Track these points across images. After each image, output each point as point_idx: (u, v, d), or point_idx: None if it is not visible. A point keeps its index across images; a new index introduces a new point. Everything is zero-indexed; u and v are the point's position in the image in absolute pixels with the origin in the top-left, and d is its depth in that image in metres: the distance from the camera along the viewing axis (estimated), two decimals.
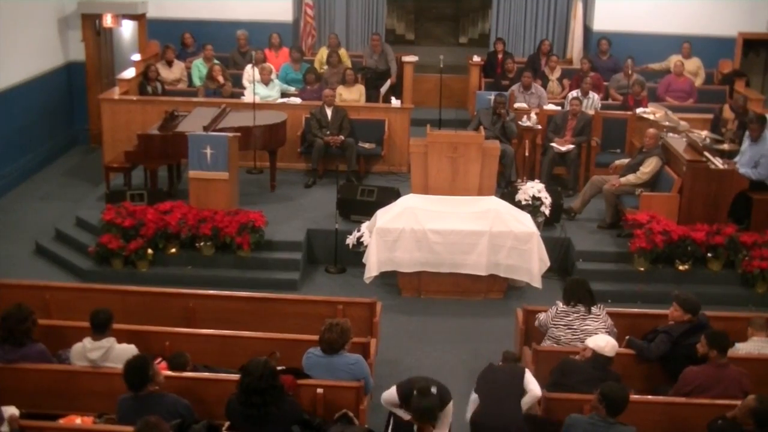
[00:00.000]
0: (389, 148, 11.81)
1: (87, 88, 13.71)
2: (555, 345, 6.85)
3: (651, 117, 11.03)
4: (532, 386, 5.96)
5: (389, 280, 9.28)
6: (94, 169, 12.29)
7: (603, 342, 6.17)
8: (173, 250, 9.44)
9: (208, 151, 9.60)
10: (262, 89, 12.02)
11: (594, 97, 12.22)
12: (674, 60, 13.29)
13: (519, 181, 10.85)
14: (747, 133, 9.86)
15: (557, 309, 6.92)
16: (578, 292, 6.88)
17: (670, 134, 10.44)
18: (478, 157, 9.29)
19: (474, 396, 6.07)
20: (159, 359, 6.22)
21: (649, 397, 6.26)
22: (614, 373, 6.12)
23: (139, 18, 13.90)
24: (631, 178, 9.92)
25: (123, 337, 6.36)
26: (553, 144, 11.28)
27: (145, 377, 5.48)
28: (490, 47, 14.46)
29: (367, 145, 11.65)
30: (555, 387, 6.16)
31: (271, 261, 9.54)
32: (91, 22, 13.62)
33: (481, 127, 10.77)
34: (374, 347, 6.87)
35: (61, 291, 7.65)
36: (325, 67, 13.22)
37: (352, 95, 12.31)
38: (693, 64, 13.48)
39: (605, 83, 13.13)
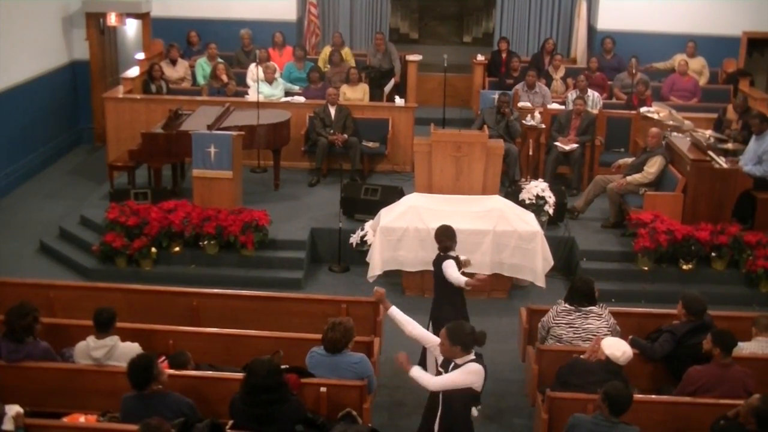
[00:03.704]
0: (393, 147, 11.81)
1: (91, 86, 13.72)
2: (557, 344, 6.85)
3: (655, 116, 11.00)
4: (447, 272, 6.85)
5: (393, 279, 9.28)
6: (98, 168, 12.31)
7: (619, 353, 6.13)
8: (177, 248, 9.45)
9: (212, 149, 9.61)
10: (265, 88, 12.03)
11: (593, 95, 12.20)
12: (678, 59, 13.28)
13: (523, 180, 10.84)
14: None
15: (559, 308, 6.91)
16: (581, 290, 6.87)
17: (674, 133, 10.42)
18: (482, 156, 9.28)
19: None
20: (162, 358, 6.22)
21: (653, 396, 6.26)
22: (624, 375, 6.11)
23: (143, 17, 13.92)
24: (637, 176, 9.90)
25: (126, 335, 6.37)
26: (557, 143, 11.28)
27: (149, 376, 5.48)
28: (494, 46, 14.44)
29: (370, 144, 11.65)
30: (563, 385, 6.17)
31: (274, 260, 9.55)
32: (95, 20, 13.63)
33: (485, 126, 10.79)
34: (377, 346, 6.87)
35: (65, 289, 7.66)
36: (329, 66, 13.23)
37: (356, 94, 12.31)
38: (697, 63, 13.46)
39: (609, 82, 13.12)
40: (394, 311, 6.03)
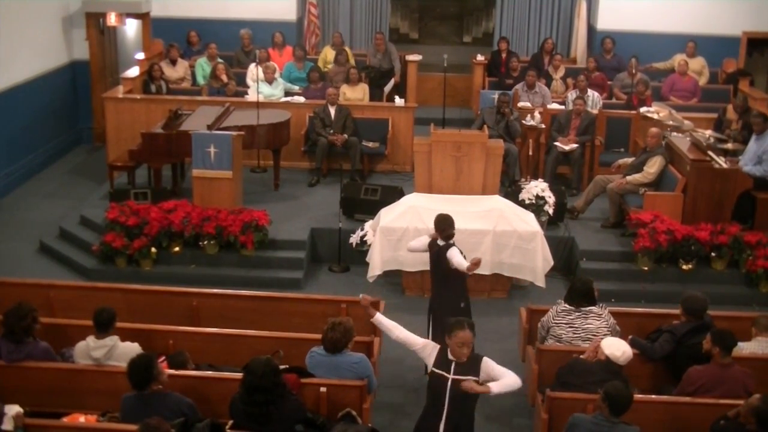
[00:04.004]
0: (393, 147, 11.81)
1: (91, 86, 13.73)
2: (557, 344, 6.85)
3: (655, 116, 11.01)
4: (454, 260, 6.89)
5: (393, 279, 9.29)
6: (98, 168, 12.30)
7: (619, 352, 6.14)
8: (177, 248, 9.45)
9: (212, 149, 9.61)
10: (265, 88, 12.03)
11: (593, 95, 12.20)
12: (678, 59, 13.28)
13: (523, 180, 10.84)
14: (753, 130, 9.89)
15: (558, 308, 6.92)
16: (580, 291, 6.87)
17: (674, 133, 10.42)
18: (482, 156, 9.28)
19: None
20: (162, 358, 6.22)
21: (653, 396, 6.25)
22: (624, 375, 6.12)
23: (143, 17, 13.92)
24: (637, 176, 9.90)
25: (126, 335, 6.37)
26: (556, 143, 11.28)
27: (149, 376, 5.48)
28: (494, 46, 14.45)
29: (370, 144, 11.65)
30: (563, 385, 6.17)
31: (274, 260, 9.54)
32: (95, 20, 13.63)
33: (485, 126, 10.79)
34: (377, 346, 6.86)
35: (64, 289, 7.66)
36: (330, 65, 13.23)
37: (356, 94, 12.31)
38: (697, 63, 13.46)
39: (609, 82, 13.12)
40: (380, 317, 5.89)
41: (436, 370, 5.39)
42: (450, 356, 5.34)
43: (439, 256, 7.09)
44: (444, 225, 7.09)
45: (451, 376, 5.31)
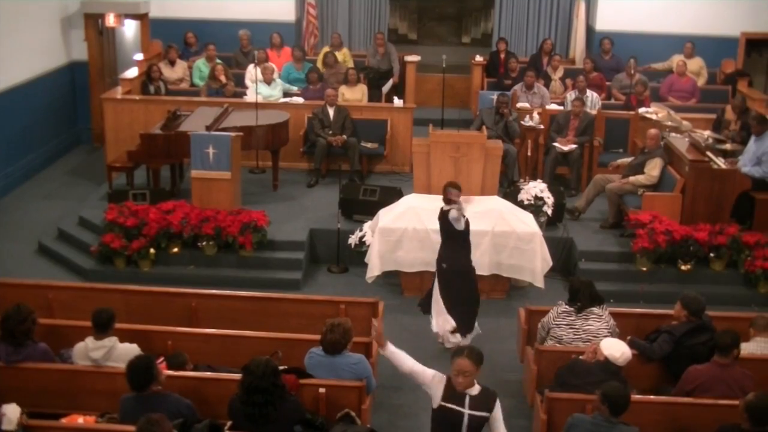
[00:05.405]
0: (392, 147, 11.81)
1: (90, 87, 13.73)
2: (557, 345, 6.85)
3: (654, 117, 11.02)
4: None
5: (392, 279, 9.29)
6: (97, 169, 12.30)
7: (618, 353, 6.15)
8: (175, 249, 9.45)
9: (211, 150, 9.61)
10: (264, 89, 12.03)
11: (592, 95, 12.20)
12: (677, 60, 13.28)
13: (521, 180, 10.85)
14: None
15: (559, 309, 6.92)
16: (581, 292, 6.88)
17: (673, 134, 10.43)
18: (481, 156, 9.29)
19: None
20: (161, 359, 6.22)
21: (652, 397, 6.26)
22: (623, 376, 6.12)
23: (141, 17, 13.92)
24: (640, 178, 9.90)
25: (125, 336, 6.37)
26: (555, 144, 11.28)
27: (149, 377, 5.48)
28: (493, 47, 14.45)
29: (369, 145, 11.65)
30: (562, 386, 6.17)
31: (273, 260, 9.54)
32: (94, 21, 13.63)
33: (484, 127, 10.79)
34: (376, 347, 6.86)
35: (63, 290, 7.66)
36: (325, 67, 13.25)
37: (355, 95, 12.31)
38: (695, 64, 13.46)
39: (608, 83, 13.12)
40: (391, 349, 5.44)
41: (447, 405, 5.05)
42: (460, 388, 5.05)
43: (445, 220, 7.72)
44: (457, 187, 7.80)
45: (467, 411, 5.01)
